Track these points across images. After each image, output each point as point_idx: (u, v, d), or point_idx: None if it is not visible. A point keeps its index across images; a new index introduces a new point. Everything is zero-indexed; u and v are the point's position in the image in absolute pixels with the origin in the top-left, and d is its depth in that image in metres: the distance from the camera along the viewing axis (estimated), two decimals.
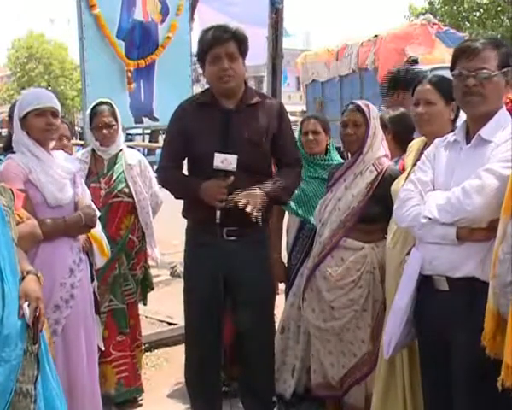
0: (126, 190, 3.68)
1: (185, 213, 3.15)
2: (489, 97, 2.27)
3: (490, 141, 2.26)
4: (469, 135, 2.35)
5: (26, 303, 2.15)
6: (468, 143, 2.34)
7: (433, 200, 2.30)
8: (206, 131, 2.96)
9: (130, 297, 3.78)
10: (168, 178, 3.15)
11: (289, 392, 3.57)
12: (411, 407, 2.80)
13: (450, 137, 2.43)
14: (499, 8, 23.73)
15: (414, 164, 2.83)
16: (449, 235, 2.23)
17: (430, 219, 2.26)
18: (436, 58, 12.77)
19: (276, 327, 3.69)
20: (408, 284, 2.39)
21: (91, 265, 3.12)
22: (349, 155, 3.35)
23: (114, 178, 3.67)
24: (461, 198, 2.19)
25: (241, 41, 2.94)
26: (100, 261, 3.20)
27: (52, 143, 3.05)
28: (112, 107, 3.71)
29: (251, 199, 2.84)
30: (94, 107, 3.70)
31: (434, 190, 2.37)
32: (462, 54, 2.32)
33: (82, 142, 5.27)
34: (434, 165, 2.42)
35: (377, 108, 3.45)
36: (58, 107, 2.96)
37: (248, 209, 2.81)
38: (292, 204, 3.54)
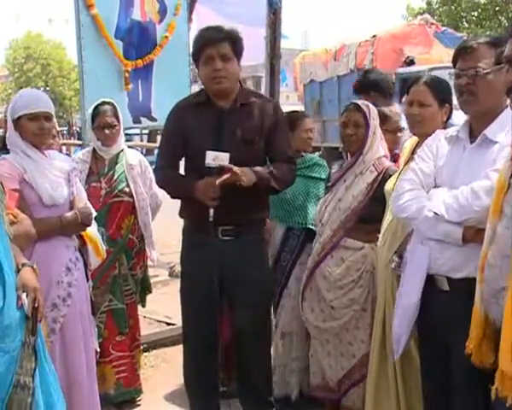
0: (127, 189, 3.69)
1: (181, 213, 3.16)
2: (482, 96, 2.26)
3: (495, 141, 2.25)
4: (473, 133, 2.35)
5: (25, 294, 2.15)
6: (472, 142, 2.33)
7: (440, 196, 2.28)
8: (200, 129, 2.96)
9: (129, 297, 3.78)
10: (164, 178, 3.16)
11: (295, 394, 3.57)
12: (405, 406, 2.80)
13: (453, 131, 2.42)
14: (497, 8, 23.77)
15: (406, 163, 2.84)
16: (454, 234, 2.22)
17: (436, 214, 2.25)
18: (434, 58, 12.80)
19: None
20: (417, 280, 2.36)
21: (86, 265, 3.12)
22: (348, 155, 3.35)
23: (115, 177, 3.67)
24: (469, 198, 2.18)
25: (235, 42, 2.93)
26: (95, 262, 3.17)
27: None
28: (114, 107, 3.71)
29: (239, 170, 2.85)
30: (96, 106, 3.69)
31: (436, 184, 2.36)
32: (459, 54, 2.34)
33: (80, 142, 5.27)
34: (436, 157, 2.41)
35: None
36: (52, 110, 2.95)
37: (235, 169, 2.81)
38: (274, 207, 3.50)
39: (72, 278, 2.94)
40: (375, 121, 3.19)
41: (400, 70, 12.84)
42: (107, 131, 3.64)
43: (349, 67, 14.52)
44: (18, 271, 2.22)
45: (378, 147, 3.20)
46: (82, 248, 3.08)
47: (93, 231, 3.13)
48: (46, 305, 2.82)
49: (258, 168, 2.96)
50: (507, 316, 1.84)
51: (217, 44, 2.89)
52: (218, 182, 2.81)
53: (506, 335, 1.85)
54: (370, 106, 3.23)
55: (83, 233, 3.06)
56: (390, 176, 3.04)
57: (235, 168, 2.83)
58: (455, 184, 2.29)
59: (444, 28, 15.16)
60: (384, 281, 2.80)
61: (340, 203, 3.19)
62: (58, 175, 2.96)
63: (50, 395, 2.24)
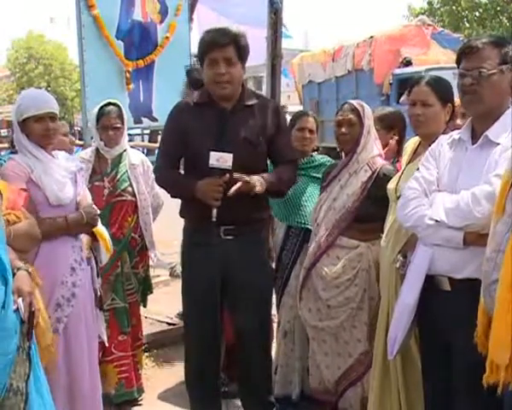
0: (130, 189, 3.71)
1: (182, 213, 3.16)
2: (486, 96, 2.27)
3: (497, 142, 2.25)
4: (475, 134, 2.35)
5: (20, 299, 2.15)
6: (473, 143, 2.34)
7: (441, 202, 2.29)
8: (203, 130, 2.96)
9: (132, 297, 3.80)
10: (165, 177, 3.16)
11: (296, 394, 3.58)
12: (406, 406, 2.81)
13: (455, 134, 2.43)
14: (498, 8, 23.76)
15: (408, 163, 2.85)
16: (455, 238, 2.24)
17: (437, 221, 2.26)
18: (430, 59, 12.84)
19: (274, 327, 3.71)
20: (415, 281, 2.38)
21: (96, 262, 3.15)
22: (343, 154, 3.38)
23: (118, 177, 3.70)
24: (470, 204, 2.18)
25: (240, 46, 2.92)
26: (105, 258, 3.24)
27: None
28: (119, 108, 3.72)
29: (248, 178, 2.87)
30: (102, 107, 3.70)
31: (439, 189, 2.37)
32: (463, 53, 2.34)
33: (81, 142, 5.28)
34: (439, 162, 2.42)
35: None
36: (56, 109, 2.97)
37: (246, 178, 2.83)
38: (276, 206, 3.54)
39: (76, 279, 2.96)
40: (369, 121, 3.21)
41: (397, 71, 12.86)
42: (110, 133, 3.67)
43: (347, 67, 14.54)
44: (13, 275, 2.22)
45: (372, 146, 3.22)
46: (93, 245, 3.12)
47: (102, 228, 3.17)
48: (50, 305, 2.84)
49: (266, 175, 2.99)
50: (497, 307, 1.88)
51: (222, 48, 2.87)
52: (230, 193, 2.81)
53: (496, 326, 1.89)
54: (364, 105, 3.26)
55: (94, 230, 3.09)
56: (384, 175, 3.08)
57: (246, 178, 2.85)
58: (456, 186, 2.30)
59: (441, 29, 15.20)
60: (388, 281, 2.81)
61: (335, 202, 3.21)
62: (64, 175, 2.98)
63: (44, 406, 2.21)
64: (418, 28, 14.03)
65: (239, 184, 2.83)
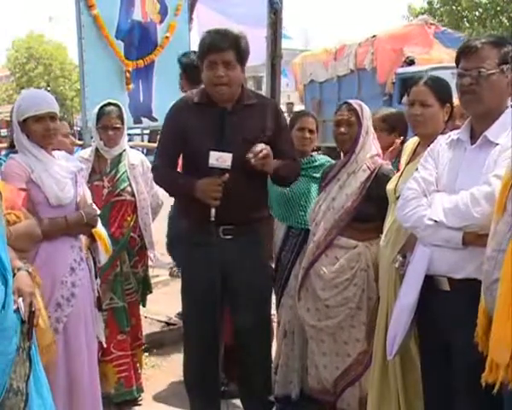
0: (129, 188, 3.71)
1: (181, 213, 3.16)
2: (485, 96, 2.27)
3: (496, 143, 2.25)
4: (474, 134, 2.35)
5: (21, 299, 2.15)
6: (472, 144, 2.34)
7: (440, 203, 2.29)
8: (202, 129, 2.96)
9: (131, 296, 3.80)
10: (163, 176, 3.16)
11: (295, 393, 3.58)
12: (405, 406, 2.81)
13: (454, 134, 2.43)
14: (498, 8, 23.77)
15: (407, 164, 2.85)
16: (454, 239, 2.24)
17: (436, 221, 2.27)
18: (433, 58, 12.82)
19: (274, 327, 3.71)
20: (415, 281, 2.38)
21: (95, 262, 3.15)
22: (342, 154, 3.38)
23: (118, 177, 3.70)
24: (469, 204, 2.18)
25: (240, 49, 2.92)
26: (103, 258, 3.24)
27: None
28: (119, 109, 3.72)
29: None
30: (102, 107, 3.71)
31: (438, 189, 2.37)
32: (462, 53, 2.34)
33: (81, 142, 5.29)
34: (438, 162, 2.42)
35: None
36: (56, 109, 2.97)
37: (250, 155, 2.88)
38: (276, 206, 3.55)
39: (76, 278, 2.96)
40: (367, 121, 3.21)
41: (400, 70, 12.85)
42: (110, 133, 3.67)
43: (349, 67, 14.52)
44: (13, 275, 2.22)
45: (371, 146, 3.22)
46: (91, 246, 3.11)
47: (101, 227, 3.17)
48: (50, 305, 2.84)
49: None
50: (498, 307, 1.88)
51: (221, 52, 2.87)
52: (253, 158, 2.85)
53: (497, 325, 1.89)
54: (363, 105, 3.26)
55: (93, 230, 3.09)
56: (383, 174, 3.08)
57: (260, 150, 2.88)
58: (455, 186, 2.30)
59: (443, 28, 15.19)
60: (387, 281, 2.81)
61: (334, 202, 3.21)
62: (65, 176, 2.98)
63: (44, 407, 2.21)
64: (421, 27, 14.02)
65: (264, 152, 2.87)
